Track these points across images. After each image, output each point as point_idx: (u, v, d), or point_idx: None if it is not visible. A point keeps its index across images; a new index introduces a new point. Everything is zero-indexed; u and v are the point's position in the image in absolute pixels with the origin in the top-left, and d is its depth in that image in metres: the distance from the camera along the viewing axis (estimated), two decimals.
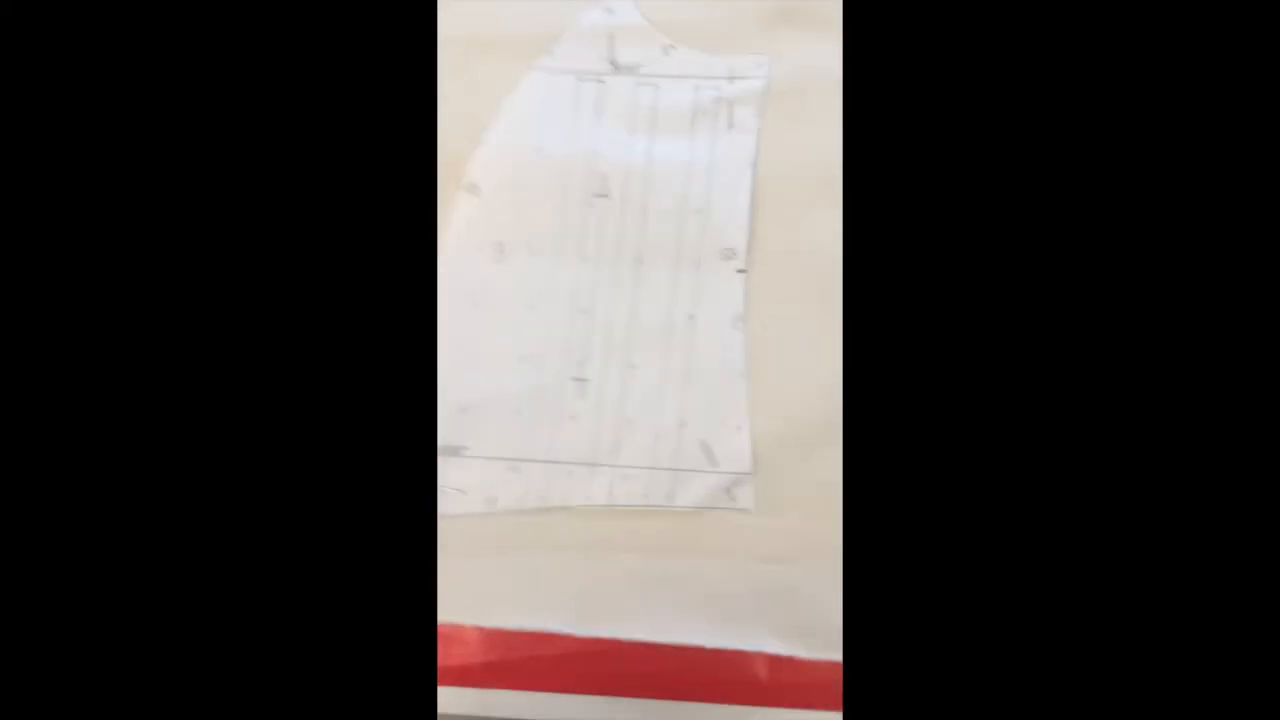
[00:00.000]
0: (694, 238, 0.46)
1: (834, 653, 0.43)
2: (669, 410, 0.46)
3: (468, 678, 0.44)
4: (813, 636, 0.43)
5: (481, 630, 0.44)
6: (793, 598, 0.44)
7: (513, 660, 0.44)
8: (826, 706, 0.44)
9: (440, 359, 0.45)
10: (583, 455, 0.45)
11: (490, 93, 0.48)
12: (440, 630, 0.44)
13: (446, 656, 0.44)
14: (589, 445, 0.45)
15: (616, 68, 0.48)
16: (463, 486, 0.45)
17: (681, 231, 0.46)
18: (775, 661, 0.44)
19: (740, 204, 0.46)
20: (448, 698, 0.44)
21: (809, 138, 0.47)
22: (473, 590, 0.44)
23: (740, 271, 0.46)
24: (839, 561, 0.44)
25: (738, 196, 0.46)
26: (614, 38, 0.48)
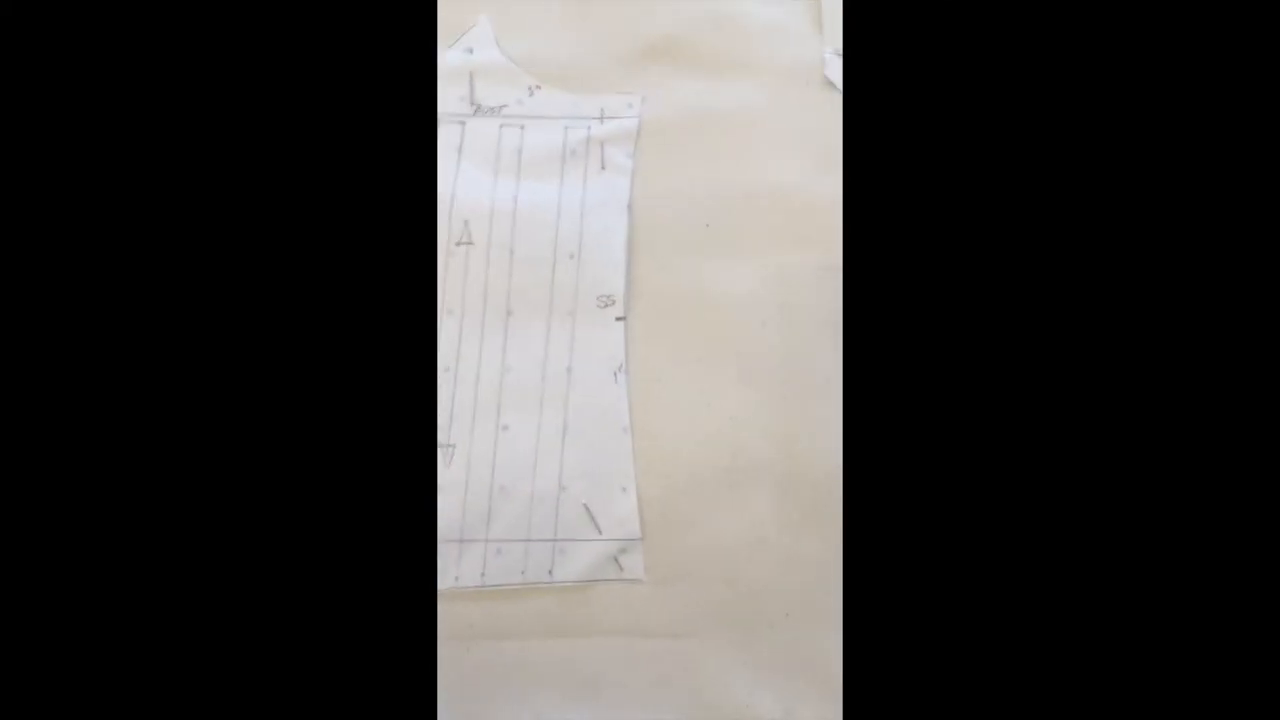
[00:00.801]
0: (568, 285, 0.43)
1: None
2: (547, 474, 0.41)
3: None
4: (718, 716, 0.39)
5: None
6: (694, 675, 0.40)
7: None
8: None
9: None
10: (450, 531, 0.40)
11: None
12: None
13: None
14: (457, 519, 0.40)
15: (479, 109, 0.45)
16: None
17: (554, 278, 0.43)
18: None
19: (616, 247, 0.43)
20: None
21: (685, 176, 0.45)
22: None
23: (619, 319, 0.43)
24: (741, 631, 0.40)
25: (613, 240, 0.43)
26: (475, 78, 0.45)
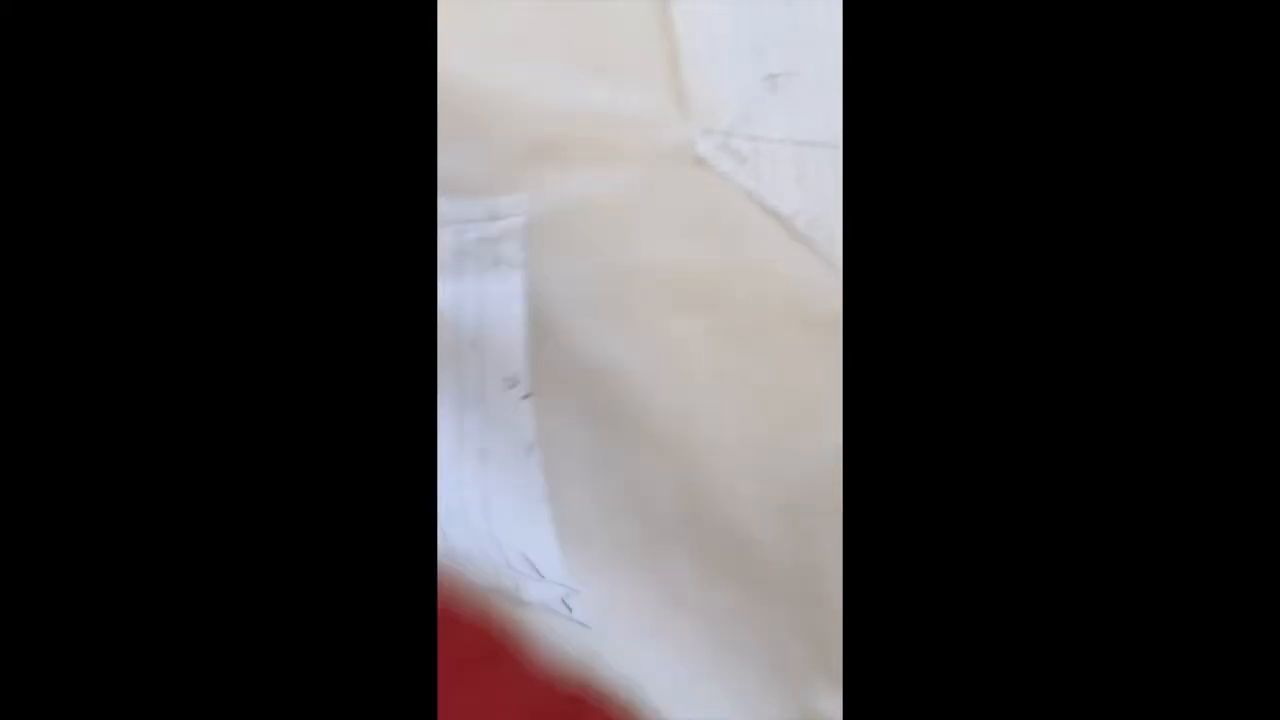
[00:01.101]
0: (473, 374, 0.47)
1: None
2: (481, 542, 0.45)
3: None
4: None
5: None
6: None
7: None
8: None
9: None
10: None
11: None
12: None
13: None
14: None
15: None
16: None
17: (460, 370, 0.47)
18: None
19: (515, 331, 0.47)
20: None
21: (576, 261, 0.48)
22: None
23: (526, 397, 0.46)
24: (685, 689, 0.43)
25: (511, 325, 0.47)
26: None
